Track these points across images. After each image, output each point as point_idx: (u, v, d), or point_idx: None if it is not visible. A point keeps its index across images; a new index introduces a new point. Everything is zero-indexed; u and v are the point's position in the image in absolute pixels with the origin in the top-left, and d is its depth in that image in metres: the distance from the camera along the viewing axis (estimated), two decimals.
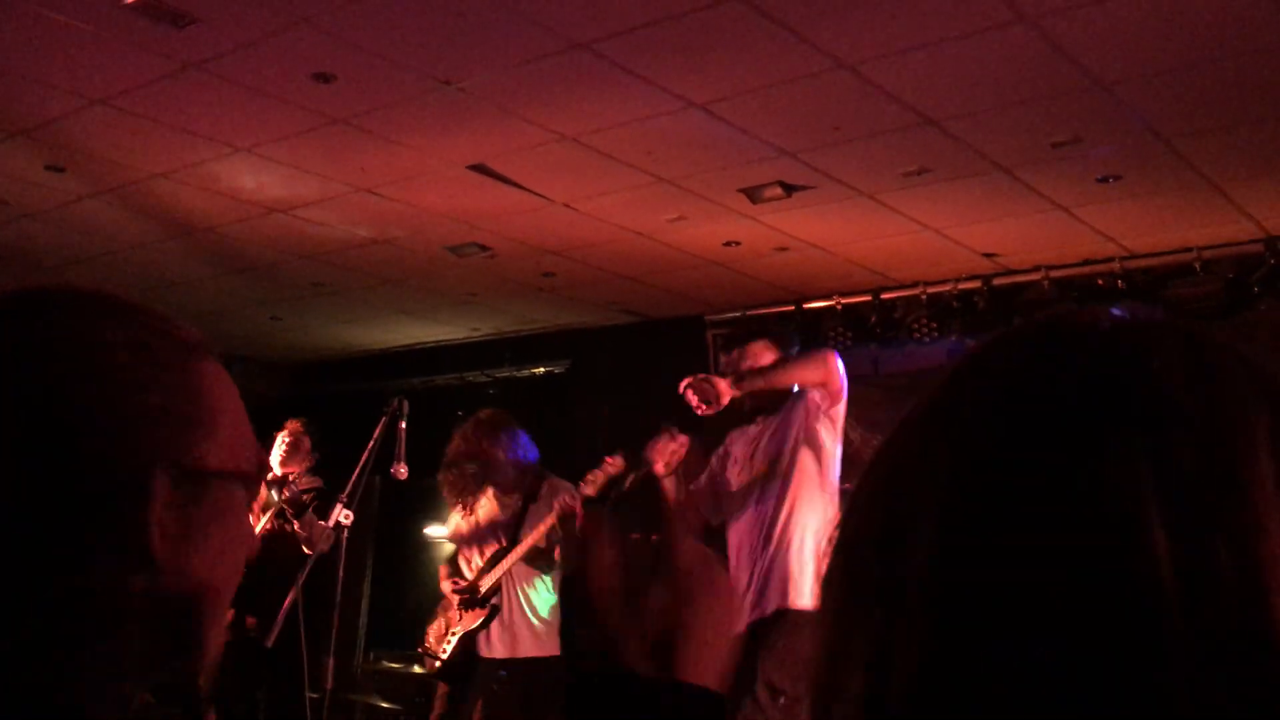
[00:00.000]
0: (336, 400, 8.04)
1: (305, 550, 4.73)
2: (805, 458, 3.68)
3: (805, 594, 3.53)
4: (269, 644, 4.10)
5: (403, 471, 4.26)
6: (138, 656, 0.77)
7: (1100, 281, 5.55)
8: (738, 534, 3.80)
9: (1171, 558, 0.44)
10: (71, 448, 0.74)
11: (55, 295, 0.83)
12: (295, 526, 5.12)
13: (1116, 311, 0.55)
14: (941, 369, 0.56)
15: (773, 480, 3.70)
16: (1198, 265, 5.28)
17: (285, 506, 5.25)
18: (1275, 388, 0.50)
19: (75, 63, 3.81)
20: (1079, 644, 0.45)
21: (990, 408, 0.51)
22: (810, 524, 3.64)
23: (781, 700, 3.33)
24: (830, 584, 0.54)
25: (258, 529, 4.98)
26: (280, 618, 4.35)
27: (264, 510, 5.28)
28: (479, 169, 4.69)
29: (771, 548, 3.63)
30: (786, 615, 3.51)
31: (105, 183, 4.99)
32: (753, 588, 3.64)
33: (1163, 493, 0.46)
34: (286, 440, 5.47)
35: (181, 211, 5.34)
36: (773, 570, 3.61)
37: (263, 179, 4.89)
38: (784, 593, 3.56)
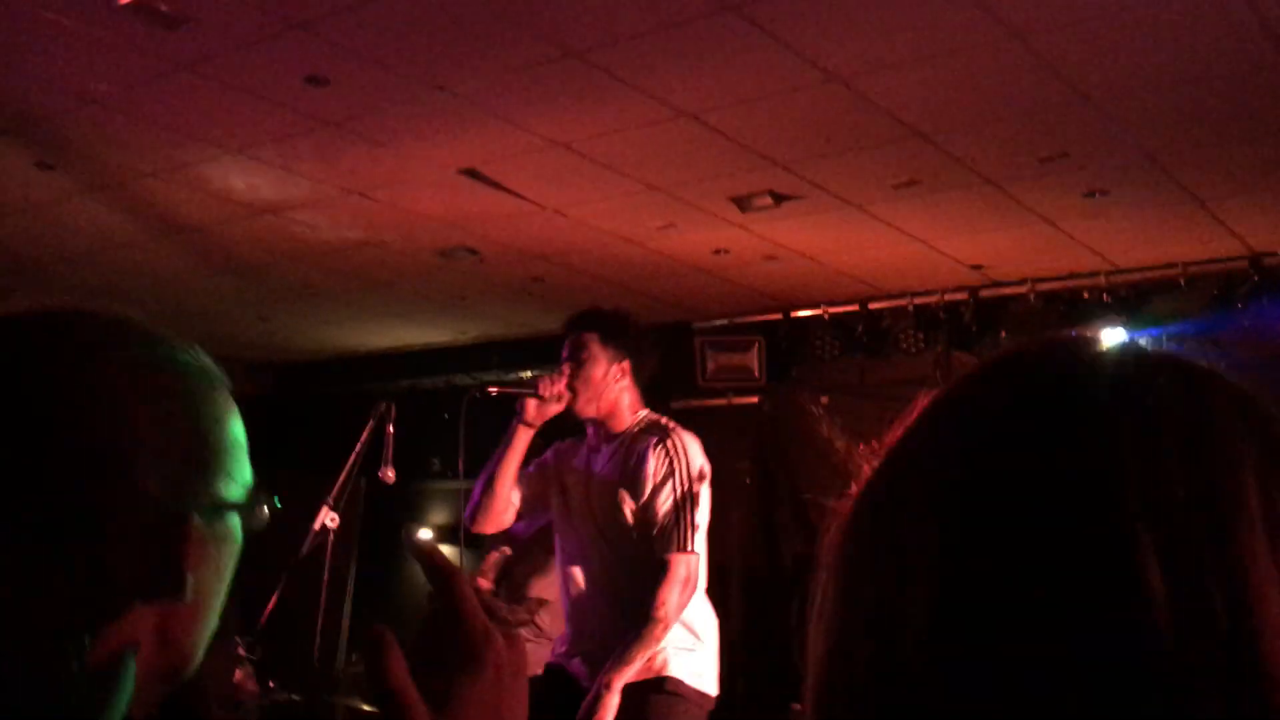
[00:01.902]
0: (324, 402, 8.03)
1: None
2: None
3: (674, 659, 3.19)
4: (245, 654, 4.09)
5: (390, 475, 4.26)
6: (146, 680, 0.79)
7: (1086, 295, 5.59)
8: (586, 562, 3.35)
9: (1166, 594, 0.45)
10: (120, 481, 0.75)
11: (86, 318, 0.83)
12: None
13: (1109, 339, 0.56)
14: (945, 381, 0.57)
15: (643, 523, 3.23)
16: (1182, 281, 5.32)
17: None
18: (1263, 420, 0.51)
19: (68, 61, 3.81)
20: (1076, 672, 0.45)
21: (986, 430, 0.52)
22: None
23: None
24: (841, 557, 0.55)
25: None
26: (263, 619, 4.34)
27: None
28: (470, 174, 4.70)
29: (627, 591, 3.21)
30: (663, 685, 3.16)
31: (95, 181, 4.98)
32: (606, 633, 3.21)
33: (1156, 527, 0.46)
34: None
35: (171, 212, 5.33)
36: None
37: (253, 180, 4.89)
38: (665, 656, 3.20)
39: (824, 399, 6.12)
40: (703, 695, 3.23)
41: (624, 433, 3.33)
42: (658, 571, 3.13)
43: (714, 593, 6.17)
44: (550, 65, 3.69)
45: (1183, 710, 0.44)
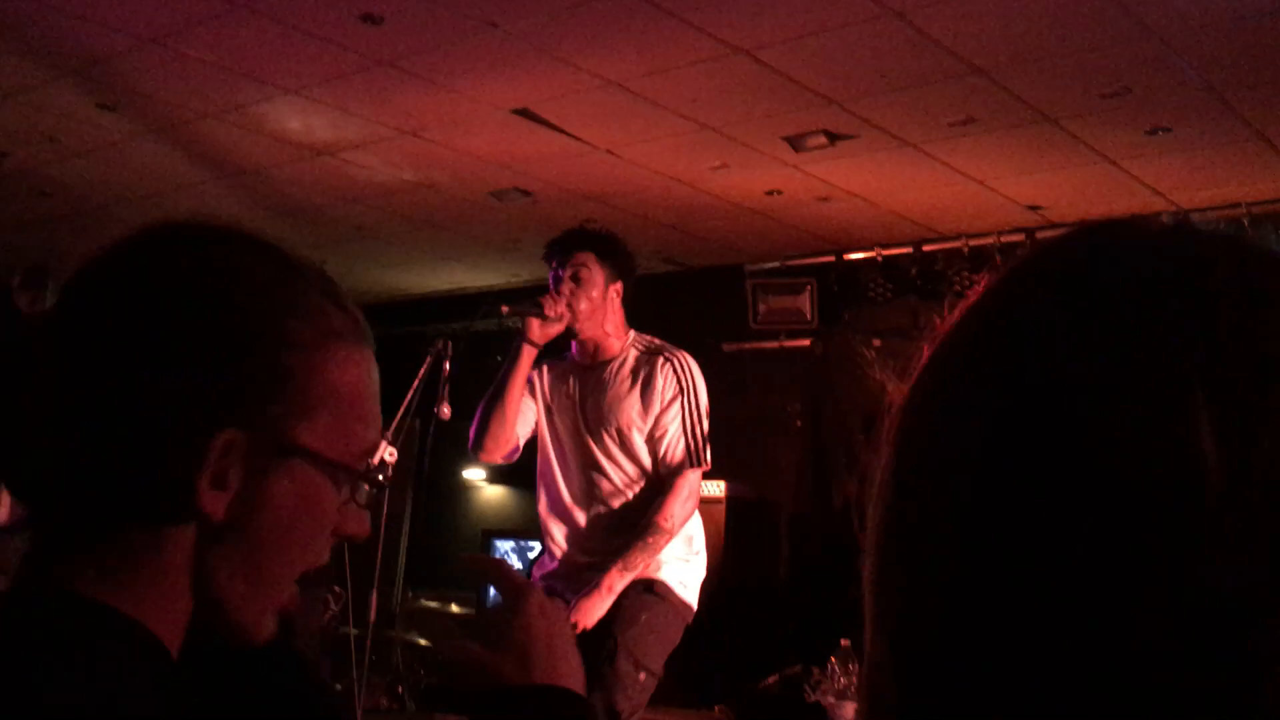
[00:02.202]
0: (380, 343, 8.10)
1: None
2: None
3: (667, 566, 3.25)
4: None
5: (446, 411, 4.31)
6: (177, 628, 0.79)
7: None
8: (579, 483, 3.37)
9: (1219, 456, 0.44)
10: (156, 392, 0.77)
11: (225, 233, 0.89)
12: None
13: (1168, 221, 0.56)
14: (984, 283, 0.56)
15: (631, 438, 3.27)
16: (1246, 220, 5.21)
17: None
18: None
19: (128, 2, 3.85)
20: (1119, 531, 0.45)
21: (1033, 318, 0.51)
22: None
23: (643, 676, 3.11)
24: (896, 439, 0.55)
25: None
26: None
27: None
28: (522, 113, 4.70)
29: (628, 506, 3.27)
30: (652, 587, 3.20)
31: (155, 122, 5.05)
32: (600, 551, 3.25)
33: (1210, 394, 0.46)
34: None
35: (228, 153, 5.40)
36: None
37: (309, 121, 4.93)
38: (658, 560, 3.24)
39: (876, 342, 6.09)
40: (685, 605, 3.27)
41: (620, 353, 3.35)
42: (665, 484, 3.21)
43: (764, 533, 6.23)
44: (603, 1, 3.67)
45: (1232, 566, 0.44)
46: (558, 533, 3.39)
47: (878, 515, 0.54)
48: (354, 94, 4.57)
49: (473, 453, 3.45)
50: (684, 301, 6.93)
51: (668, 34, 3.88)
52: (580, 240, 3.33)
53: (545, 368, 3.48)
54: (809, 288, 6.42)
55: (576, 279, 3.24)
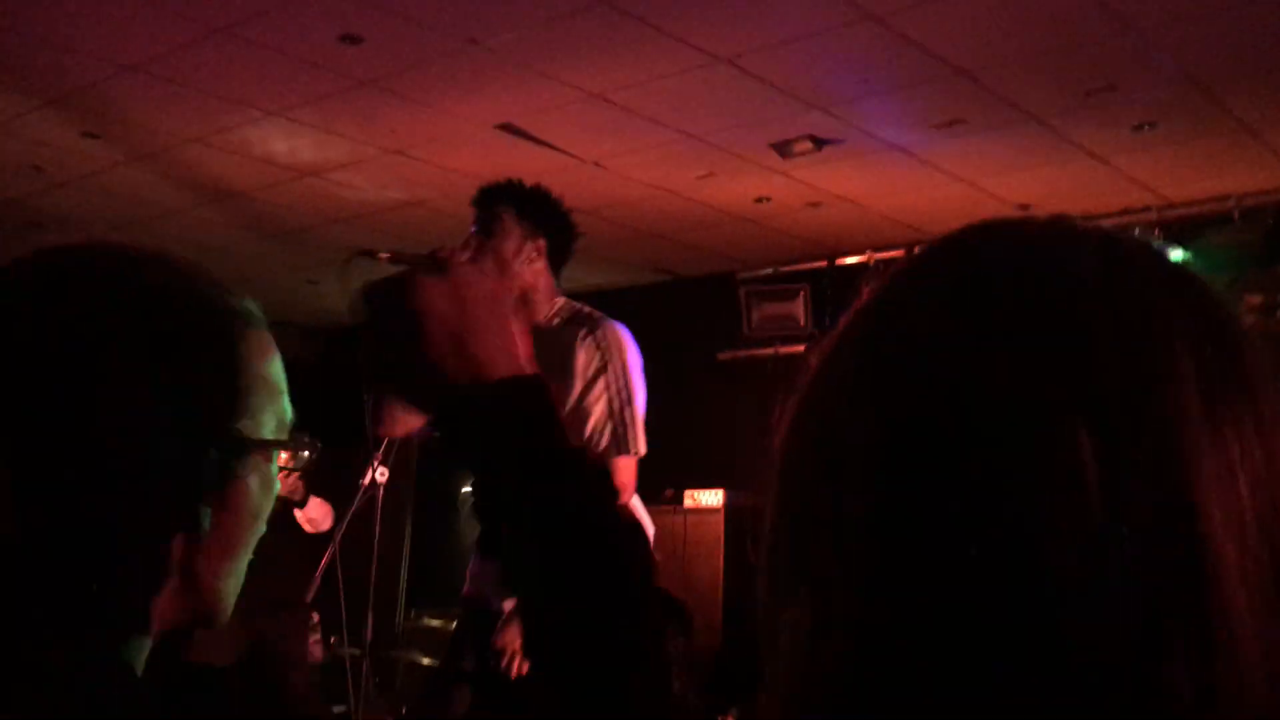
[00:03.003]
0: None
1: (308, 530, 4.74)
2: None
3: None
4: (308, 600, 4.17)
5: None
6: (173, 617, 0.81)
7: (1137, 231, 5.48)
8: None
9: (1095, 454, 0.44)
10: (137, 417, 0.76)
11: (115, 252, 0.86)
12: (300, 518, 4.92)
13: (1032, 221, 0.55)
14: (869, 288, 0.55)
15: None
16: (1236, 213, 5.20)
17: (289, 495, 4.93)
18: (1199, 298, 0.50)
19: (107, 29, 3.85)
20: (1011, 564, 0.44)
21: (912, 320, 0.51)
22: None
23: None
24: (785, 453, 0.53)
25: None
26: (318, 575, 4.42)
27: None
28: (507, 128, 4.70)
29: None
30: None
31: (140, 149, 5.05)
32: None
33: (1086, 392, 0.45)
34: None
35: (216, 177, 5.39)
36: None
37: (294, 142, 4.92)
38: None
39: None
40: None
41: (541, 322, 2.96)
42: None
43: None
44: (583, 15, 3.66)
45: (1118, 605, 0.43)
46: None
47: (767, 535, 0.52)
48: (338, 115, 4.57)
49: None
50: (677, 311, 6.92)
51: (649, 45, 3.87)
52: (495, 193, 2.98)
53: None
54: (802, 294, 6.40)
55: (486, 232, 2.89)
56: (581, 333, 2.89)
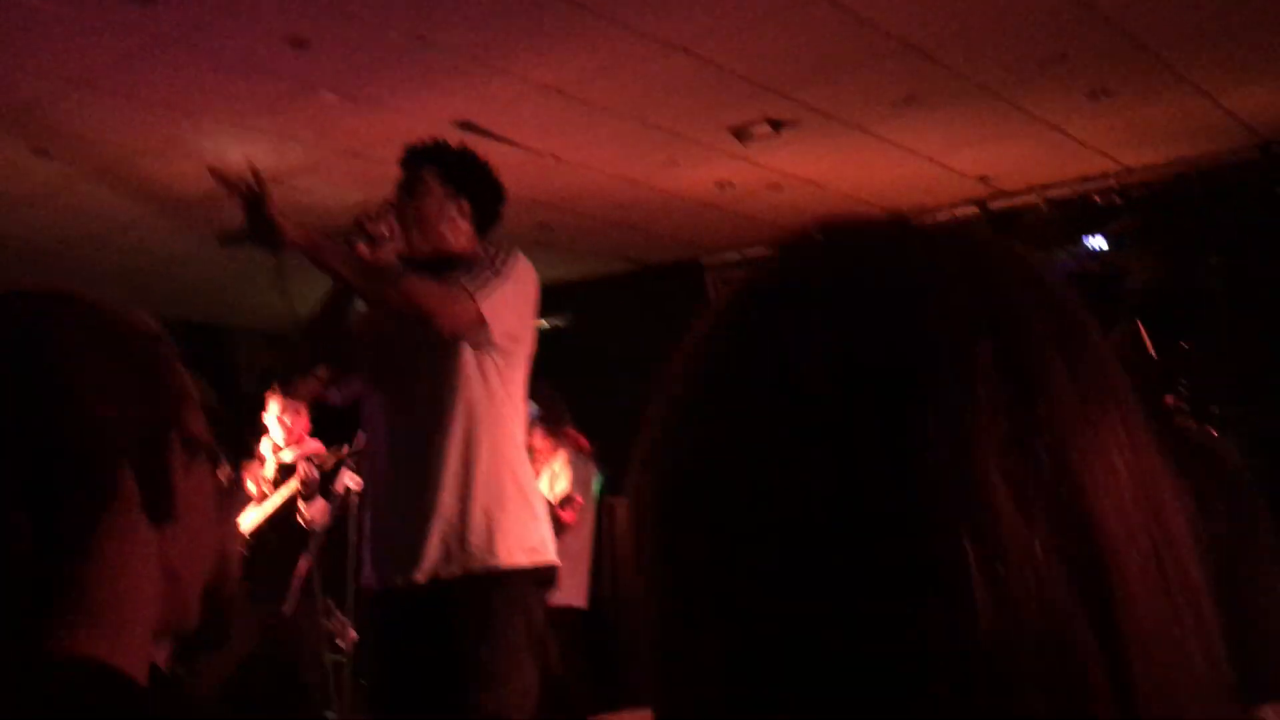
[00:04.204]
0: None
1: (307, 527, 4.69)
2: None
3: (515, 546, 2.67)
4: (287, 611, 4.15)
5: None
6: (156, 609, 0.85)
7: (1098, 199, 5.51)
8: (379, 429, 2.81)
9: (1005, 485, 0.43)
10: (70, 409, 0.81)
11: (38, 295, 0.89)
12: (304, 510, 4.81)
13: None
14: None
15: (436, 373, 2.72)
16: (1196, 176, 5.23)
17: (300, 491, 4.84)
18: (1055, 295, 0.49)
19: (48, 45, 3.79)
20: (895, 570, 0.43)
21: (784, 332, 0.48)
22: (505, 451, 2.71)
23: (496, 690, 2.56)
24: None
25: (268, 512, 4.86)
26: (296, 585, 4.40)
27: (276, 488, 4.97)
28: (464, 125, 4.66)
29: (446, 469, 2.65)
30: (497, 579, 2.63)
31: (92, 164, 4.98)
32: (407, 522, 2.65)
33: (970, 407, 0.44)
34: (289, 418, 5.06)
35: (172, 189, 5.33)
36: (458, 503, 2.65)
37: (249, 150, 4.85)
38: (485, 544, 2.64)
39: None
40: (525, 575, 2.73)
41: None
42: None
43: None
44: (534, 8, 3.64)
45: (1033, 613, 0.43)
46: (373, 512, 2.89)
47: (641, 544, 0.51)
48: (291, 120, 4.52)
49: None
50: (647, 300, 6.91)
51: (600, 36, 3.85)
52: (419, 154, 2.90)
53: None
54: None
55: (409, 193, 2.81)
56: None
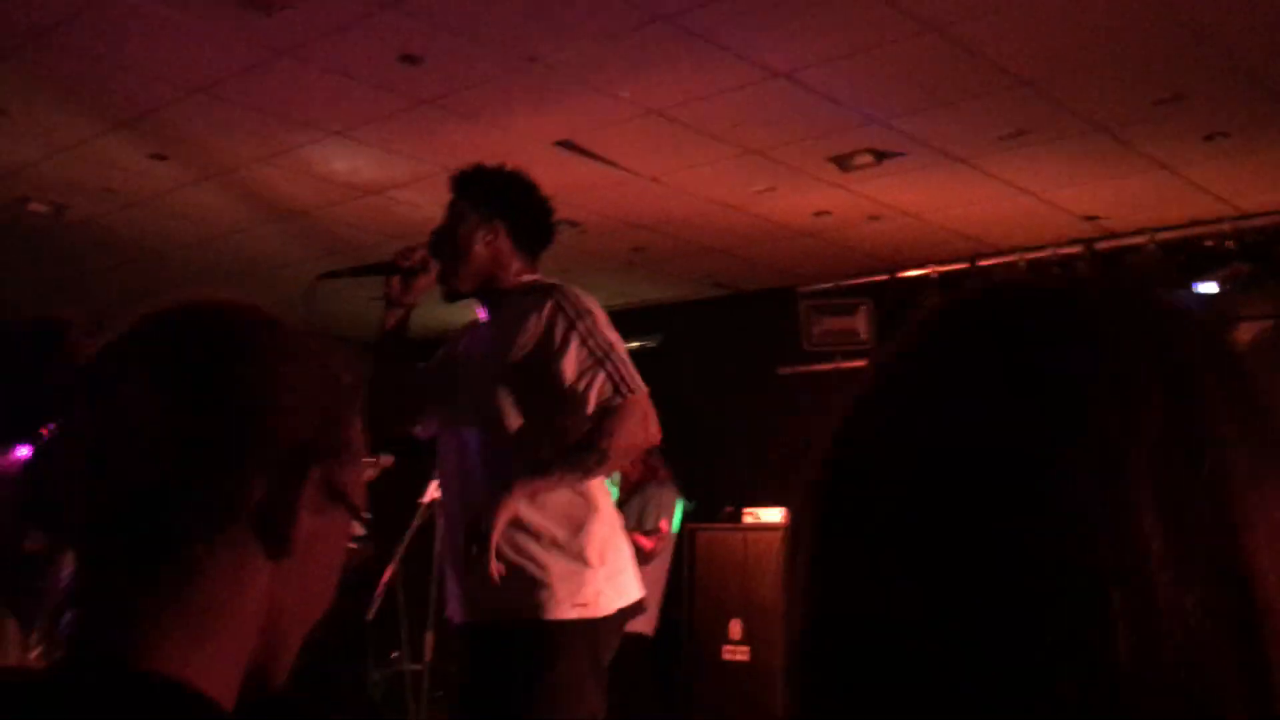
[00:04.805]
0: None
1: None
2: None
3: (573, 597, 2.56)
4: (369, 618, 4.19)
5: None
6: (251, 644, 0.80)
7: (1209, 242, 5.35)
8: (450, 467, 2.80)
9: (1159, 532, 0.44)
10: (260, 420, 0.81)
11: (249, 309, 0.90)
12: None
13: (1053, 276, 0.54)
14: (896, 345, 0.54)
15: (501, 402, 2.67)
16: None
17: None
18: (1233, 359, 0.49)
19: (174, 52, 3.92)
20: (1058, 611, 0.44)
21: (934, 394, 0.50)
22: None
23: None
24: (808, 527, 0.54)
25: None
26: (379, 591, 4.44)
27: None
28: (566, 145, 4.70)
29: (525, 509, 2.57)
30: (545, 630, 2.54)
31: (205, 170, 5.13)
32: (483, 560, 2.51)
33: (1152, 467, 0.44)
34: None
35: (278, 196, 5.47)
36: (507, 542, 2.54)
37: (355, 162, 4.97)
38: (532, 590, 2.54)
39: None
40: (591, 627, 2.63)
41: (503, 288, 2.82)
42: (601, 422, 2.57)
43: None
44: (641, 31, 3.66)
45: (1181, 668, 0.43)
46: (450, 544, 2.84)
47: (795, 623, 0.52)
48: (398, 134, 4.61)
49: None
50: (737, 326, 6.89)
51: (707, 60, 3.86)
52: (455, 184, 2.90)
53: (456, 332, 3.12)
54: (864, 308, 6.34)
55: (450, 221, 2.82)
56: (532, 300, 2.72)
